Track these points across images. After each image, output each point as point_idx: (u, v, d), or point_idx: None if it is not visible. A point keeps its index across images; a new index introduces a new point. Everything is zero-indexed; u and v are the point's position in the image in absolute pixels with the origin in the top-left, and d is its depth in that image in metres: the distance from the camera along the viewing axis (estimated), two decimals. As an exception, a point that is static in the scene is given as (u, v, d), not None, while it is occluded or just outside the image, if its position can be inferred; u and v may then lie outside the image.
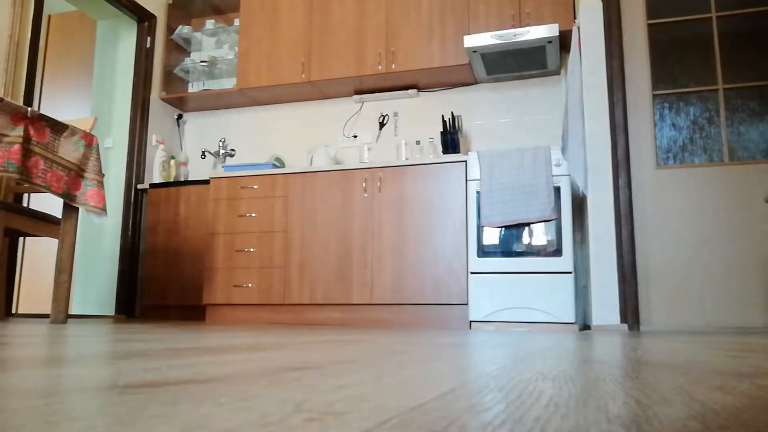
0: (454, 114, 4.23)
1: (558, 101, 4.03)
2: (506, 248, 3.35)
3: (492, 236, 3.39)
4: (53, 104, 5.00)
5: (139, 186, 4.41)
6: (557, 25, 3.58)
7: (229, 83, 4.80)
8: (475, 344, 1.53)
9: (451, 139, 3.92)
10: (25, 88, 3.77)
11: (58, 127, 2.67)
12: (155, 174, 4.48)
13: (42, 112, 2.65)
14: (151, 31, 4.69)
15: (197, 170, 4.83)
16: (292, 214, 3.85)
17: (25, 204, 3.88)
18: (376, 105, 4.49)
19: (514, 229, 3.36)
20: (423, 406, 0.47)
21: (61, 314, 2.75)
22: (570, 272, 3.22)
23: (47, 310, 4.55)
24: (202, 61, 4.77)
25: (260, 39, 4.47)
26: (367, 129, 4.47)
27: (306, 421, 0.39)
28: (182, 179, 4.64)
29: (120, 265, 4.38)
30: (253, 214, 3.92)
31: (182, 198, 4.20)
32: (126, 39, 4.70)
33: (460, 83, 4.27)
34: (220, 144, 4.69)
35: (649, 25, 3.62)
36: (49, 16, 5.20)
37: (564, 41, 3.80)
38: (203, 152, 4.84)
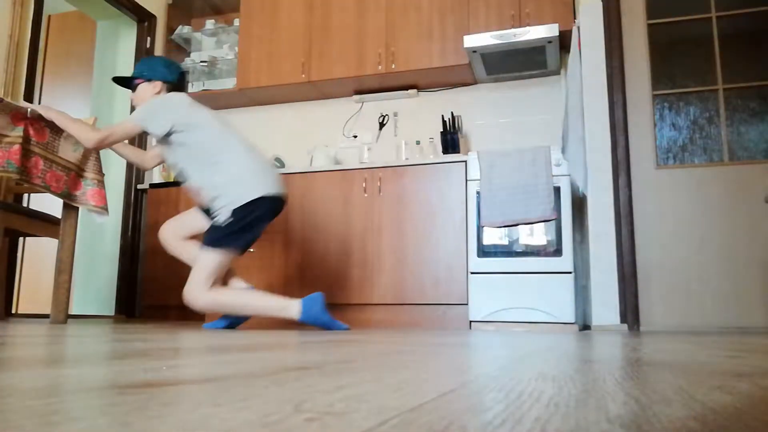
0: (454, 114, 4.23)
1: (558, 101, 4.03)
2: (506, 248, 3.35)
3: (492, 236, 3.39)
4: (53, 104, 4.99)
5: (139, 186, 4.41)
6: (557, 25, 3.58)
7: (229, 83, 4.80)
8: (475, 344, 1.53)
9: (451, 139, 3.92)
10: (25, 88, 3.77)
11: (58, 128, 2.67)
12: (155, 174, 4.48)
13: (42, 112, 2.65)
14: (151, 31, 4.69)
15: (197, 170, 4.83)
16: (292, 214, 3.85)
17: (25, 204, 3.88)
18: (376, 105, 4.49)
19: (514, 229, 3.35)
20: (423, 406, 0.47)
21: (61, 314, 2.75)
22: (570, 272, 3.22)
23: (47, 310, 4.55)
24: (202, 61, 4.77)
25: (260, 39, 4.47)
26: (367, 129, 4.47)
27: (306, 421, 0.39)
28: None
29: (120, 265, 4.38)
30: (253, 214, 3.91)
31: (182, 198, 4.20)
32: (126, 39, 4.70)
33: (460, 83, 4.27)
34: (220, 144, 4.69)
35: (649, 25, 3.62)
36: (49, 16, 5.20)
37: (564, 41, 3.80)
38: (203, 152, 4.84)
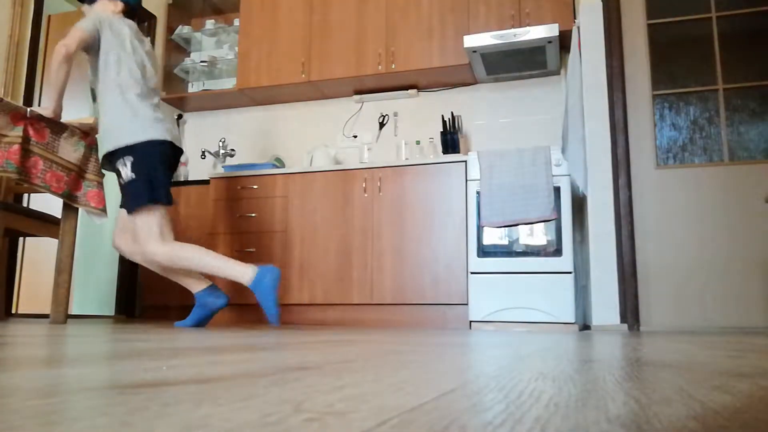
0: (454, 114, 4.23)
1: (558, 101, 4.03)
2: (506, 248, 3.35)
3: (492, 236, 3.39)
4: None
5: (139, 186, 4.41)
6: (557, 25, 3.58)
7: (229, 83, 4.80)
8: (475, 344, 1.53)
9: (451, 139, 3.92)
10: (25, 88, 3.77)
11: (58, 128, 2.67)
12: (155, 174, 4.47)
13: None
14: (151, 31, 4.69)
15: (197, 170, 4.83)
16: (292, 214, 3.85)
17: (25, 204, 3.88)
18: (376, 105, 4.49)
19: (514, 229, 3.36)
20: (423, 406, 0.47)
21: (61, 314, 2.75)
22: (570, 272, 3.22)
23: (47, 310, 4.54)
24: (202, 61, 4.77)
25: (260, 39, 4.47)
26: (367, 129, 4.47)
27: (306, 421, 0.39)
28: (182, 179, 4.64)
29: (120, 266, 4.38)
30: (253, 214, 3.92)
31: (182, 198, 4.20)
32: (126, 39, 4.69)
33: (460, 83, 4.27)
34: (220, 144, 4.69)
35: (649, 25, 3.62)
36: (49, 16, 5.19)
37: (564, 41, 3.80)
38: (203, 152, 4.84)
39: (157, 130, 2.72)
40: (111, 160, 2.72)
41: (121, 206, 2.76)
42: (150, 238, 2.63)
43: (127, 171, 2.64)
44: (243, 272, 2.67)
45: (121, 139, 2.66)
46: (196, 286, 2.87)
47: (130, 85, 2.73)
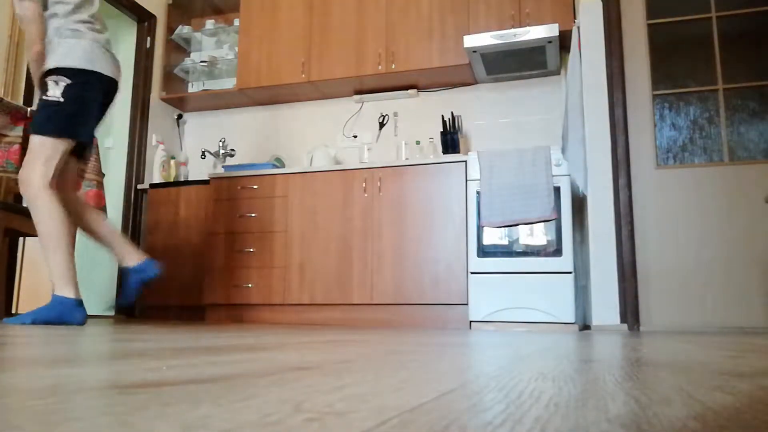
0: (454, 114, 4.23)
1: (558, 101, 4.03)
2: (506, 248, 3.35)
3: (492, 236, 3.39)
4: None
5: (139, 186, 4.41)
6: (557, 25, 3.58)
7: (229, 83, 4.80)
8: (475, 344, 1.53)
9: (451, 139, 3.92)
10: (25, 89, 3.77)
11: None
12: (155, 174, 4.48)
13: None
14: (151, 31, 4.69)
15: (197, 170, 4.83)
16: (292, 214, 3.85)
17: (25, 204, 3.88)
18: (376, 105, 4.49)
19: (514, 229, 3.36)
20: (423, 406, 0.47)
21: (61, 314, 2.75)
22: (570, 272, 3.22)
23: (47, 310, 4.54)
24: (202, 61, 4.77)
25: (260, 39, 4.47)
26: (367, 129, 4.47)
27: (306, 421, 0.39)
28: (182, 179, 4.65)
29: (120, 266, 4.37)
30: (253, 214, 3.92)
31: (182, 198, 4.20)
32: (126, 39, 4.69)
33: (460, 83, 4.27)
34: (220, 144, 4.70)
35: (649, 25, 3.62)
36: (49, 16, 5.19)
37: (564, 41, 3.80)
38: (203, 152, 4.84)
39: (107, 65, 2.54)
40: (46, 75, 2.48)
41: (31, 124, 2.48)
42: (38, 166, 2.36)
43: (56, 92, 2.40)
44: (67, 290, 2.43)
45: (68, 60, 2.45)
46: (129, 260, 2.67)
47: (83, 11, 2.53)
